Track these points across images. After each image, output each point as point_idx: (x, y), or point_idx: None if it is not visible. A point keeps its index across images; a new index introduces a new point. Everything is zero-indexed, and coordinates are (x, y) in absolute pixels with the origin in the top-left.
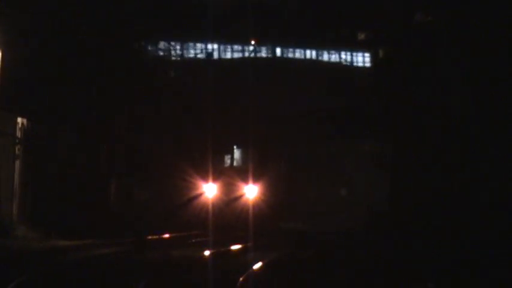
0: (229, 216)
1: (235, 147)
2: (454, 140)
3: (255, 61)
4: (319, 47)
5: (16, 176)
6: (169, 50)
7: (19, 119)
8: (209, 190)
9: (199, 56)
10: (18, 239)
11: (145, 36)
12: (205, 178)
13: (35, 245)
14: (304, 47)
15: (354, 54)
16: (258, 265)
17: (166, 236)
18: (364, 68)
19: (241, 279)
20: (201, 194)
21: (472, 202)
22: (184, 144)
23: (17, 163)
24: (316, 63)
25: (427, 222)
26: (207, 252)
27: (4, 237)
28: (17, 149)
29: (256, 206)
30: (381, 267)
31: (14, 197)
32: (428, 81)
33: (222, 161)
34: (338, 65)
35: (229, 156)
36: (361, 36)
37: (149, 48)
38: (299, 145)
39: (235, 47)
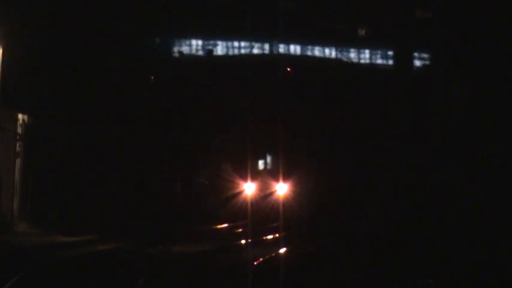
0: (264, 209)
1: (267, 154)
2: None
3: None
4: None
5: (17, 172)
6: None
7: (20, 115)
8: (248, 188)
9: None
10: (18, 235)
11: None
12: (244, 178)
13: (34, 240)
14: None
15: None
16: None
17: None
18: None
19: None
20: (241, 191)
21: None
22: (226, 150)
23: (18, 159)
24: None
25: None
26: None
27: (5, 233)
28: (17, 145)
29: (285, 200)
30: (382, 263)
31: (14, 193)
32: None
33: (257, 164)
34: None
35: (263, 161)
36: (362, 32)
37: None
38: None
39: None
